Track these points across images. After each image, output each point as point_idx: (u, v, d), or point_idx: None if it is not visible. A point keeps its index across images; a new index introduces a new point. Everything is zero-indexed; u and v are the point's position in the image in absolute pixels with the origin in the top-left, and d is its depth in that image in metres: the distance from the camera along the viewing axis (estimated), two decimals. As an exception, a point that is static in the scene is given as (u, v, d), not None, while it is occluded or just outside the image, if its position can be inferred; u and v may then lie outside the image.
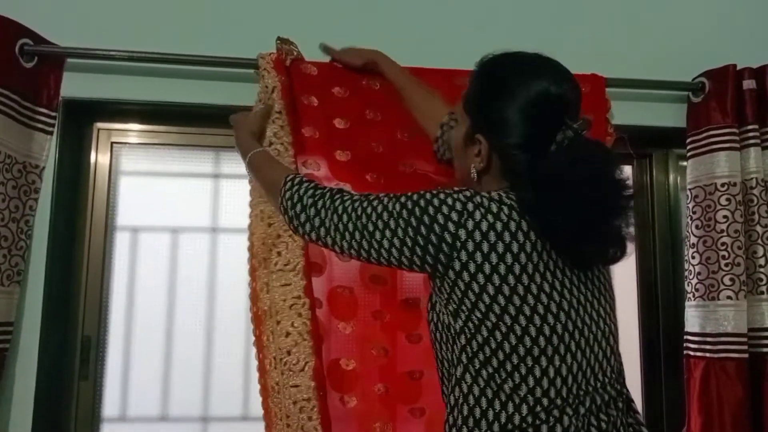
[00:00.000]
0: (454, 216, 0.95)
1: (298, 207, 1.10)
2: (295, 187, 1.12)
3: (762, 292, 1.54)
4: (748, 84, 1.60)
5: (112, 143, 1.67)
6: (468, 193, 0.98)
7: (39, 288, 1.46)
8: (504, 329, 0.94)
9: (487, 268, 0.93)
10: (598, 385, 0.98)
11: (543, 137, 0.96)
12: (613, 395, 1.00)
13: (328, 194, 1.09)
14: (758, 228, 1.55)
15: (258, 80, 1.44)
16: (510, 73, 1.03)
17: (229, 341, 1.66)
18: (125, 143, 1.68)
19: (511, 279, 0.93)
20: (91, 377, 1.59)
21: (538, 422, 0.93)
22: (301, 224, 1.10)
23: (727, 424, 1.47)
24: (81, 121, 1.64)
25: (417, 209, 0.98)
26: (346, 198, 1.07)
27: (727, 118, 1.59)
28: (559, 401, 0.94)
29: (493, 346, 0.95)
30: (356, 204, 1.05)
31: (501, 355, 0.95)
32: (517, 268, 0.93)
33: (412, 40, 1.63)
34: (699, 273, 1.57)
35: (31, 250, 1.46)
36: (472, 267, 0.94)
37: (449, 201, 0.96)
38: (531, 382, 0.94)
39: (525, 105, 0.98)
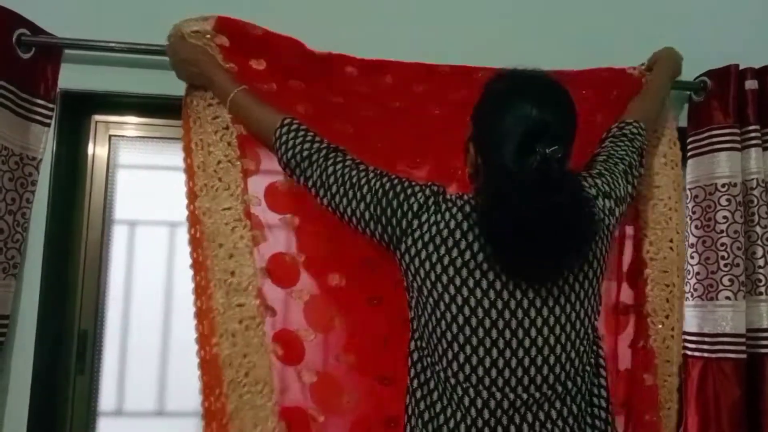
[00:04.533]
0: (415, 207, 1.10)
1: (290, 153, 1.23)
2: (292, 134, 1.24)
3: (761, 293, 1.54)
4: (750, 84, 1.59)
5: (110, 136, 1.66)
6: (435, 188, 1.13)
7: (35, 281, 1.45)
8: (433, 323, 1.07)
9: (424, 256, 1.07)
10: (529, 391, 1.04)
11: (515, 157, 1.02)
12: (550, 397, 1.05)
13: (324, 151, 1.21)
14: (758, 229, 1.55)
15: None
16: (503, 92, 1.11)
17: (226, 336, 1.65)
18: (123, 136, 1.67)
19: (444, 277, 1.05)
20: (88, 371, 1.58)
21: (461, 422, 1.04)
22: (291, 169, 1.24)
23: (724, 424, 1.48)
24: (79, 113, 1.62)
25: (391, 193, 1.13)
26: (338, 161, 1.20)
27: (728, 118, 1.58)
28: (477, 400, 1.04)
29: (423, 326, 1.09)
30: (345, 170, 1.18)
31: (426, 346, 1.09)
32: (452, 269, 1.05)
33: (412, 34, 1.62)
34: (698, 273, 1.57)
35: (28, 243, 1.45)
36: (413, 251, 1.09)
37: (417, 194, 1.12)
38: (452, 381, 1.05)
39: (506, 125, 1.05)
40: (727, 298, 1.52)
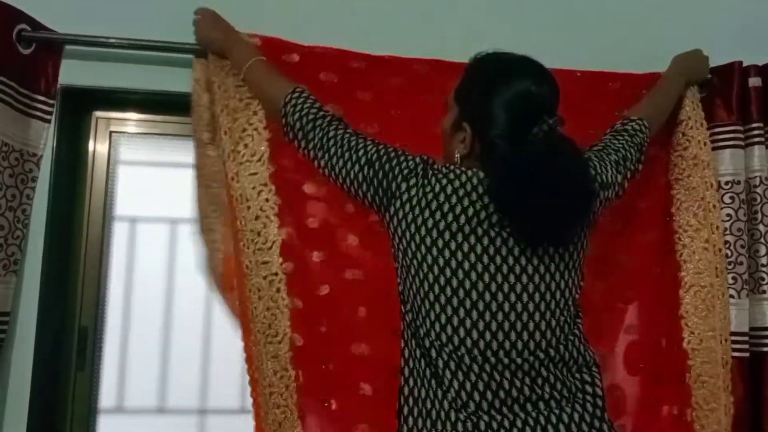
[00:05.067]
0: (405, 171, 1.16)
1: (297, 116, 1.30)
2: (302, 99, 1.31)
3: (764, 291, 1.53)
4: (754, 81, 1.58)
5: (110, 132, 1.65)
6: (426, 158, 1.18)
7: (36, 278, 1.45)
8: (413, 275, 1.11)
9: (410, 219, 1.11)
10: (522, 356, 1.07)
11: (522, 129, 1.09)
12: (532, 360, 1.08)
13: (328, 118, 1.29)
14: (761, 227, 1.54)
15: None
16: (497, 72, 1.16)
17: (227, 333, 1.63)
18: (124, 132, 1.67)
19: (428, 239, 1.09)
20: (88, 368, 1.58)
21: (459, 389, 1.06)
22: (294, 132, 1.31)
23: (728, 423, 1.47)
24: (79, 109, 1.62)
25: (384, 158, 1.20)
26: (340, 128, 1.28)
27: (731, 115, 1.57)
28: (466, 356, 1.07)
29: (408, 290, 1.13)
30: (345, 136, 1.26)
31: (413, 300, 1.12)
32: (435, 231, 1.09)
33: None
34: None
35: (28, 240, 1.44)
36: (400, 214, 1.13)
37: (408, 160, 1.18)
38: (437, 328, 1.08)
39: (508, 101, 1.11)
40: (731, 296, 1.51)
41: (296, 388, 1.34)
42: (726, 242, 1.52)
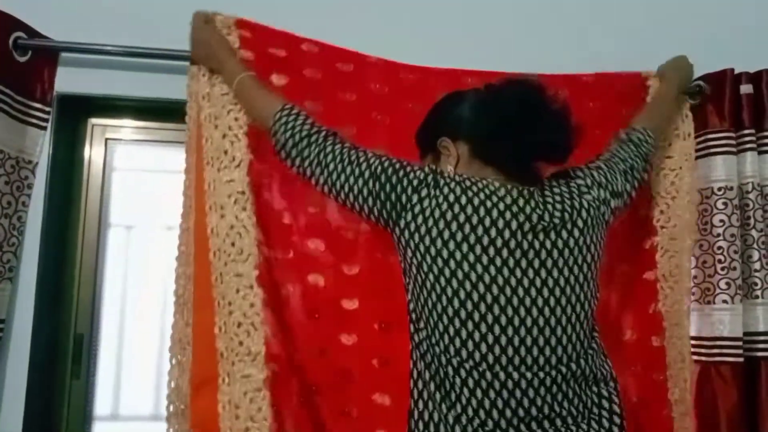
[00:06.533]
0: (415, 182, 1.13)
1: (288, 134, 1.24)
2: (292, 116, 1.26)
3: (757, 297, 1.54)
4: (746, 89, 1.60)
5: (106, 139, 1.66)
6: (434, 167, 1.16)
7: (31, 285, 1.45)
8: (433, 299, 1.08)
9: (424, 230, 1.09)
10: (532, 370, 1.05)
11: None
12: (553, 375, 1.06)
13: (323, 133, 1.24)
14: (753, 232, 1.55)
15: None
16: (448, 97, 1.25)
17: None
18: (120, 139, 1.67)
19: (445, 251, 1.07)
20: (83, 375, 1.58)
21: (462, 389, 1.05)
22: (287, 150, 1.24)
23: (722, 428, 1.47)
24: (75, 116, 1.62)
25: (390, 169, 1.16)
26: (336, 142, 1.23)
27: (724, 122, 1.59)
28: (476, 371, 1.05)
29: (422, 306, 1.10)
30: (344, 150, 1.21)
31: (429, 316, 1.09)
32: (453, 242, 1.07)
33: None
34: (695, 276, 1.57)
35: (24, 247, 1.44)
36: (412, 226, 1.10)
37: (416, 170, 1.15)
38: (457, 344, 1.06)
39: (477, 102, 1.18)
40: (724, 301, 1.52)
41: (272, 415, 1.30)
42: (719, 248, 1.54)
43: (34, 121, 1.46)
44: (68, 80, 1.50)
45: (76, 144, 1.64)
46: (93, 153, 1.65)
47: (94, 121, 1.65)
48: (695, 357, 1.54)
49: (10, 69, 1.41)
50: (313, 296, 1.40)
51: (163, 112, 1.61)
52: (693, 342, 1.55)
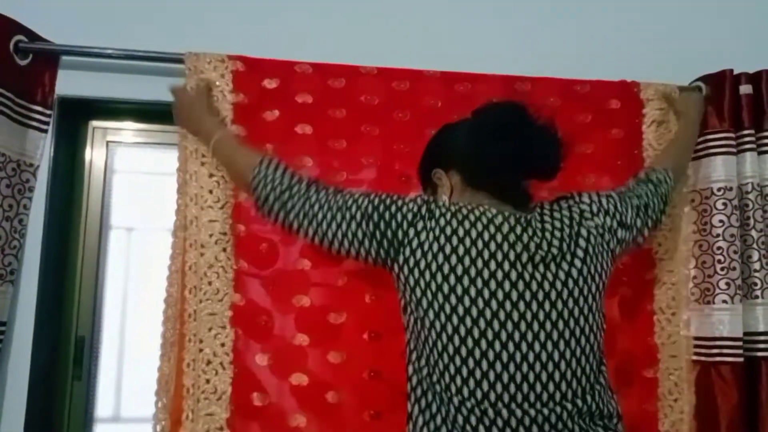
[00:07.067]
0: (409, 216, 1.10)
1: (269, 188, 1.19)
2: (271, 168, 1.21)
3: (757, 297, 1.54)
4: (745, 89, 1.60)
5: (107, 142, 1.67)
6: (425, 197, 1.13)
7: (32, 287, 1.45)
8: (428, 327, 1.05)
9: (423, 265, 1.06)
10: (535, 407, 1.02)
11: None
12: (558, 411, 1.03)
13: (305, 182, 1.20)
14: (753, 233, 1.55)
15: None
16: (441, 130, 1.25)
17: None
18: (120, 142, 1.68)
19: (446, 286, 1.04)
20: (85, 377, 1.58)
21: (465, 425, 1.01)
22: (269, 205, 1.20)
23: (722, 428, 1.47)
24: (76, 119, 1.63)
25: (381, 206, 1.12)
26: (320, 188, 1.19)
27: (723, 122, 1.59)
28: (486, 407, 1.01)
29: (423, 344, 1.06)
30: (330, 196, 1.17)
31: (426, 364, 1.06)
32: (453, 277, 1.04)
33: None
34: (695, 277, 1.57)
35: (25, 249, 1.45)
36: (411, 261, 1.07)
37: (409, 203, 1.12)
38: (459, 382, 1.02)
39: (464, 130, 1.18)
40: (724, 301, 1.52)
41: None
42: (719, 248, 1.53)
43: (35, 124, 1.47)
44: (69, 83, 1.50)
45: (77, 147, 1.64)
46: (94, 155, 1.65)
47: (94, 123, 1.66)
48: (695, 357, 1.54)
49: (11, 72, 1.41)
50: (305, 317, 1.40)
51: (163, 114, 1.60)
52: (693, 342, 1.55)
